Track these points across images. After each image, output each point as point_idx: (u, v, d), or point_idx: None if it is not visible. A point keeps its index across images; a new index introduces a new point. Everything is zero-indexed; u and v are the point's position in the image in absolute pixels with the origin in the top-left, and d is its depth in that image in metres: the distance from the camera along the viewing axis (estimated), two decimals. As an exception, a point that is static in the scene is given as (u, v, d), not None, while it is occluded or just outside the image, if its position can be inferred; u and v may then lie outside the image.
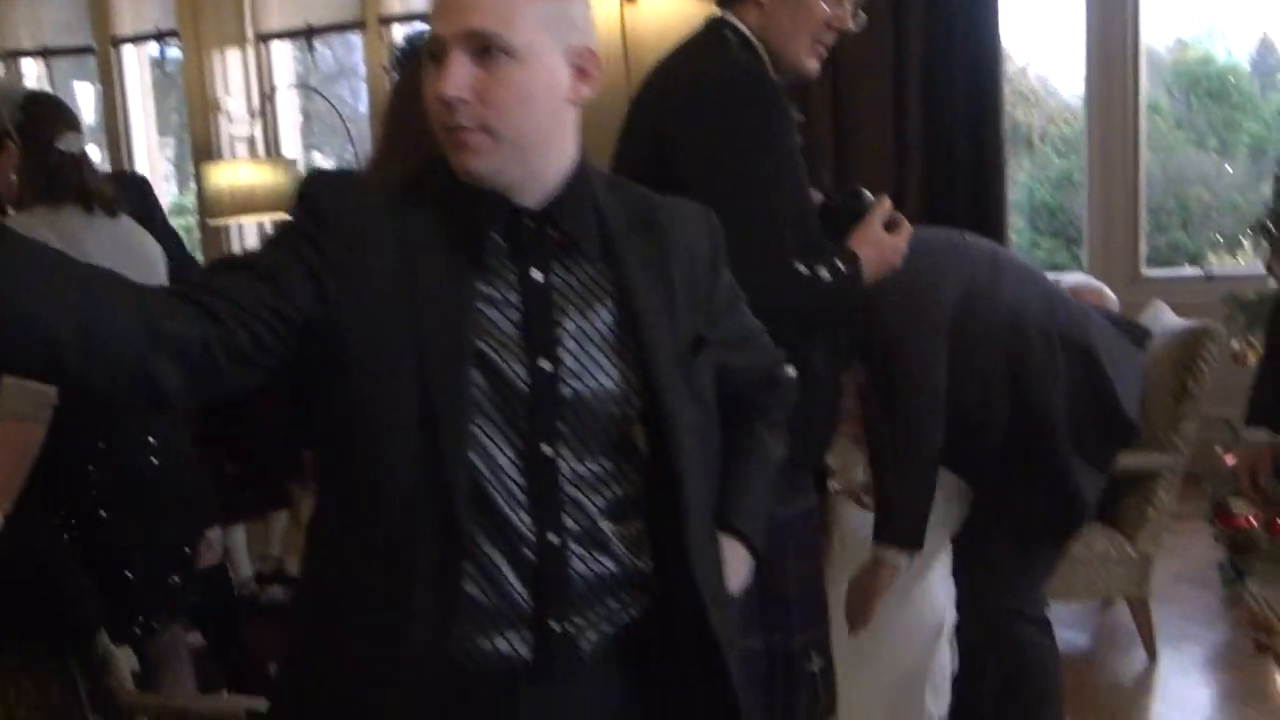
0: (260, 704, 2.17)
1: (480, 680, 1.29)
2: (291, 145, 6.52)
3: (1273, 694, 3.53)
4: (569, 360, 1.29)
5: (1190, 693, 3.46)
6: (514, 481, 1.26)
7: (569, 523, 1.29)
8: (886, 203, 1.99)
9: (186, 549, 2.66)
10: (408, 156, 2.34)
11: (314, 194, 1.27)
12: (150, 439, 2.58)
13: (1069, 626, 3.91)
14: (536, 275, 1.29)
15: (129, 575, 2.50)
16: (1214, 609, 3.93)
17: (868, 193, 2.06)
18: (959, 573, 2.49)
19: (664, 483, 1.33)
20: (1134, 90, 4.92)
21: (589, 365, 1.29)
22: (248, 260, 1.25)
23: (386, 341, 1.23)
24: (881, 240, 1.97)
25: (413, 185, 1.30)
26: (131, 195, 3.01)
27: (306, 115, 7.14)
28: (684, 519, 1.33)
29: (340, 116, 6.22)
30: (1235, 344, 3.98)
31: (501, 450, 1.26)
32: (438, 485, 1.22)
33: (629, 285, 1.32)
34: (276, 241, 1.26)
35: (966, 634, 2.51)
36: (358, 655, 1.26)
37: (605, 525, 1.31)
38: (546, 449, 1.27)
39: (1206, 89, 6.11)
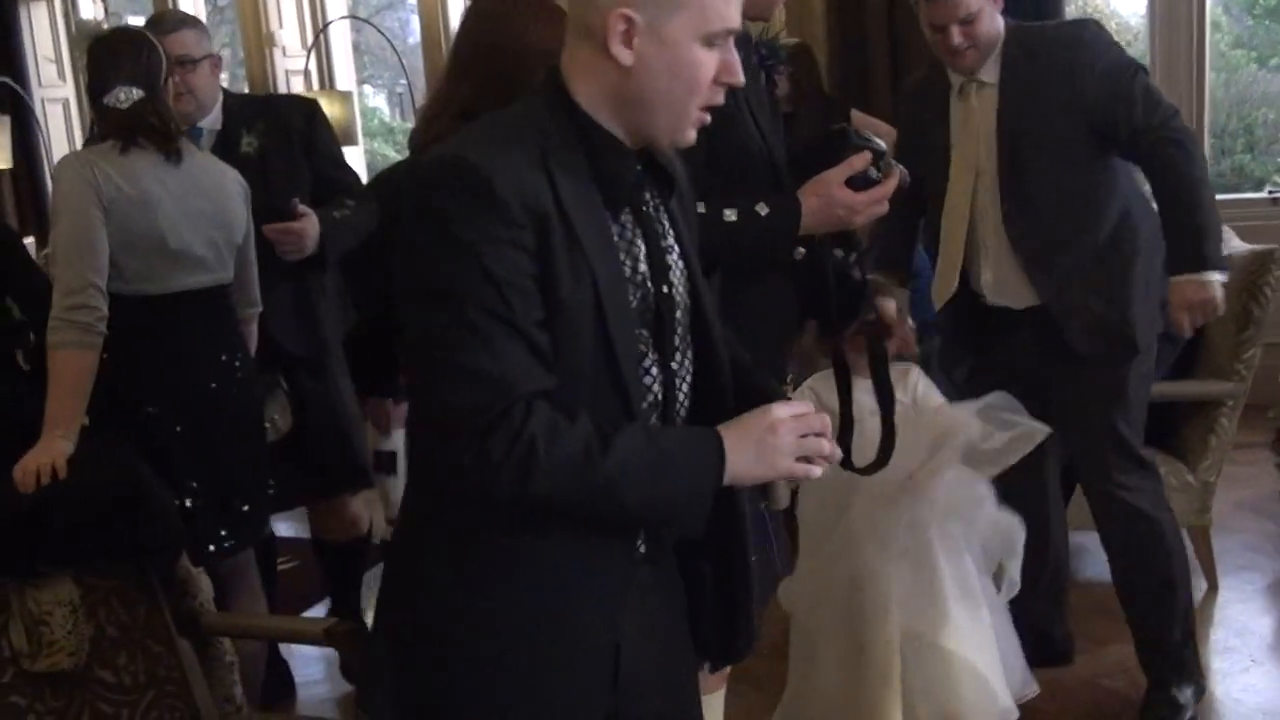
0: (334, 623, 2.25)
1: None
2: (346, 78, 6.53)
3: (1334, 620, 3.53)
4: (677, 282, 1.49)
5: (1251, 621, 3.46)
6: (654, 384, 1.46)
7: (676, 420, 1.51)
8: (858, 161, 1.95)
9: (254, 479, 2.73)
10: (488, 80, 2.40)
11: (484, 183, 1.31)
12: (212, 383, 2.65)
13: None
14: (651, 212, 1.47)
15: (189, 504, 2.57)
16: (1275, 538, 3.91)
17: (872, 139, 2.01)
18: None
19: (706, 370, 1.54)
20: (1198, 8, 4.81)
21: (680, 283, 1.49)
22: (521, 328, 1.32)
23: (567, 276, 1.35)
24: (831, 195, 1.94)
25: (547, 134, 1.38)
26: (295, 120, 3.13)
27: (357, 48, 7.14)
28: (724, 402, 1.53)
29: (393, 48, 6.22)
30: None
31: (651, 364, 1.46)
32: (618, 392, 1.40)
33: (674, 215, 1.52)
34: (501, 270, 1.31)
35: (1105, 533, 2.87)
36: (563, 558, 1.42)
37: (684, 413, 1.52)
38: (674, 363, 1.48)
39: (1265, 5, 5.94)
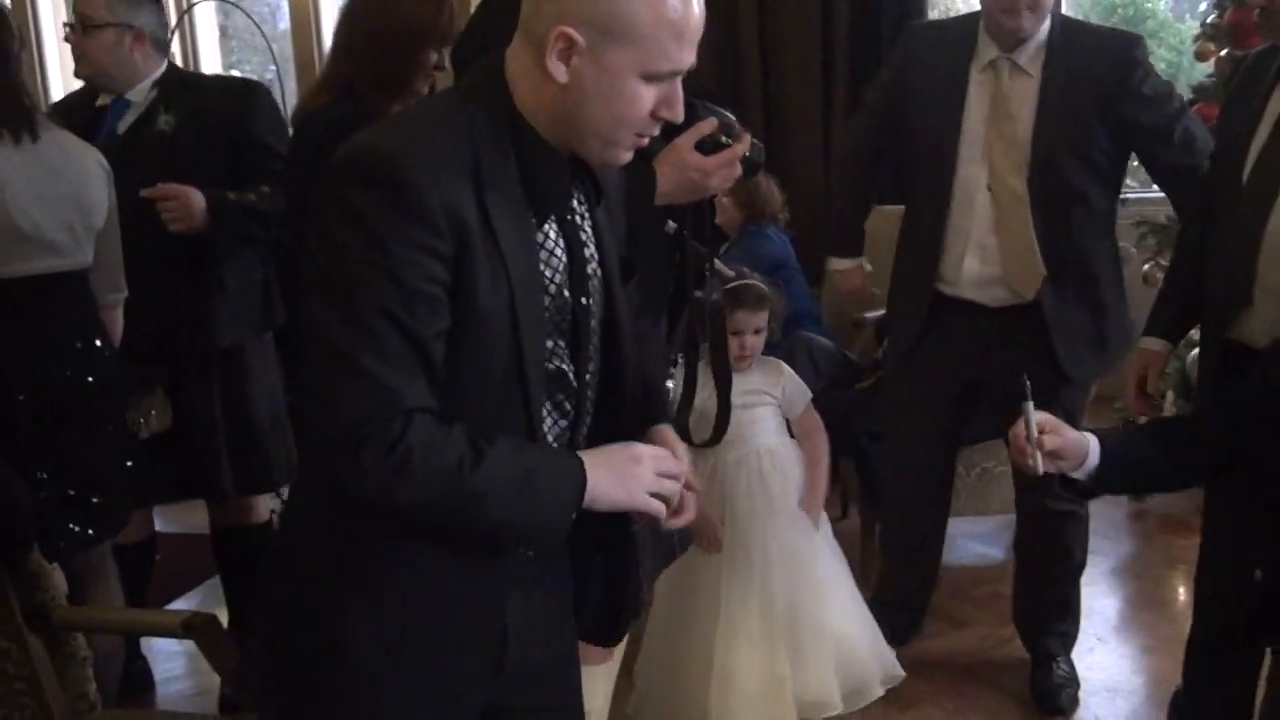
0: (191, 615, 2.20)
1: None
2: (211, 62, 6.37)
3: (1171, 601, 3.71)
4: (594, 293, 1.48)
5: (1096, 602, 3.62)
6: (565, 396, 1.48)
7: (584, 429, 1.53)
8: (705, 125, 1.96)
9: (109, 472, 2.65)
10: (363, 60, 2.38)
11: (409, 186, 1.28)
12: (69, 370, 2.57)
13: (985, 541, 4.07)
14: (576, 220, 1.46)
15: (39, 495, 2.48)
16: (1119, 523, 4.10)
17: (720, 110, 2.02)
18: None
19: (615, 382, 1.55)
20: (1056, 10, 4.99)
21: (597, 294, 1.49)
22: (420, 340, 1.30)
23: (485, 286, 1.33)
24: (683, 159, 1.97)
25: (480, 135, 1.35)
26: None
27: (224, 32, 6.96)
28: (629, 416, 1.57)
29: (262, 33, 6.08)
30: (1146, 266, 4.11)
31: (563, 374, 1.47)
32: (525, 402, 1.40)
33: (599, 223, 1.51)
34: (409, 276, 1.28)
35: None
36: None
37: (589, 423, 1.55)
38: (587, 374, 1.49)
39: (1122, 17, 6.18)
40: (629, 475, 1.42)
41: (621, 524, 1.58)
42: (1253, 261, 2.24)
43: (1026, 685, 3.10)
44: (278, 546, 1.55)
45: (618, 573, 1.62)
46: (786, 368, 2.78)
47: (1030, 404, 1.65)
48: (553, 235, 1.43)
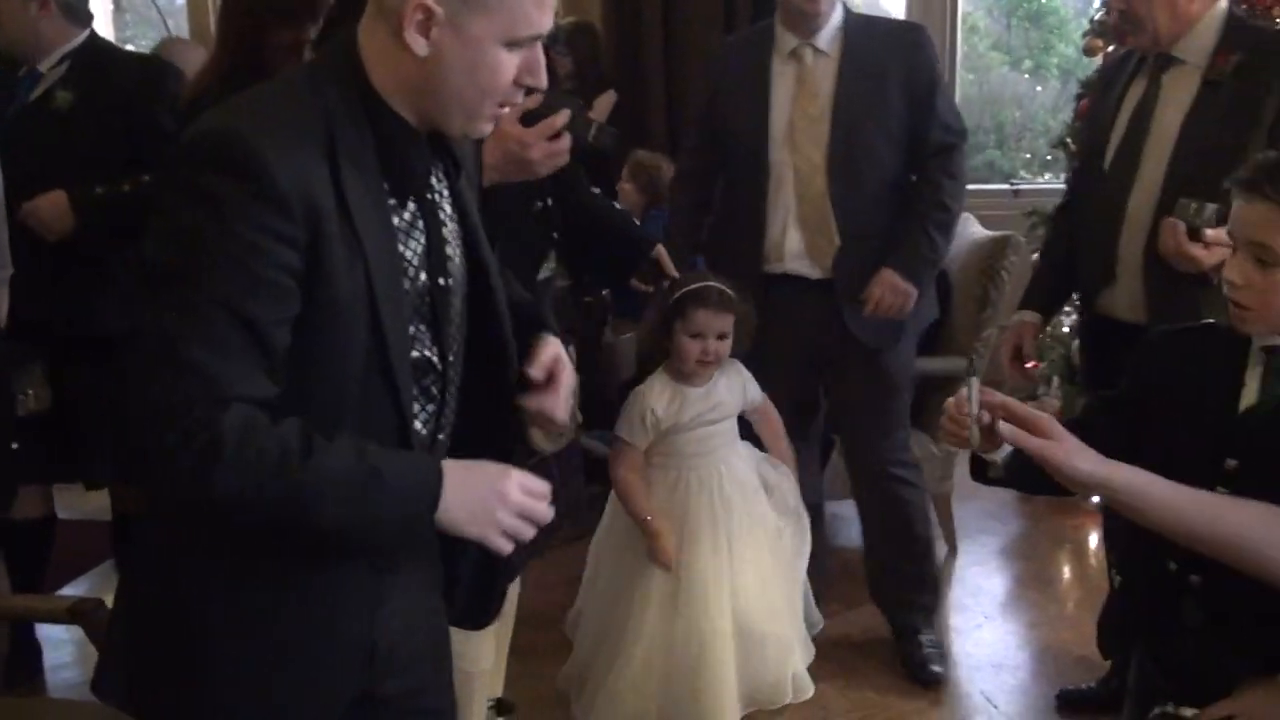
0: (78, 600, 2.16)
1: None
2: (104, 35, 6.17)
3: (1057, 579, 3.84)
4: (455, 273, 1.45)
5: (985, 581, 3.73)
6: (430, 379, 1.44)
7: (449, 412, 1.50)
8: (530, 101, 1.95)
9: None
10: (237, 48, 2.37)
11: (265, 171, 1.23)
12: None
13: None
14: (435, 199, 1.43)
15: None
16: (1009, 504, 4.22)
17: (561, 99, 2.06)
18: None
19: (488, 360, 1.53)
20: (951, 11, 5.10)
21: (458, 273, 1.46)
22: (261, 330, 1.25)
23: (342, 273, 1.30)
24: (505, 133, 1.98)
25: (334, 116, 1.31)
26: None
27: (118, 5, 6.78)
28: (504, 394, 1.56)
29: (156, 7, 5.93)
30: (1035, 255, 4.22)
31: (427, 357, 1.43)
32: (389, 388, 1.36)
33: (460, 198, 1.48)
34: (258, 264, 1.23)
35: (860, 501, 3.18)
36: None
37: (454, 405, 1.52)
38: (451, 355, 1.46)
39: (1024, 12, 6.33)
40: (488, 509, 1.35)
41: None
42: (1115, 242, 2.49)
43: (913, 662, 3.17)
44: (139, 537, 1.50)
45: (488, 555, 1.56)
46: (741, 365, 2.69)
47: (975, 379, 1.59)
48: (412, 216, 1.39)
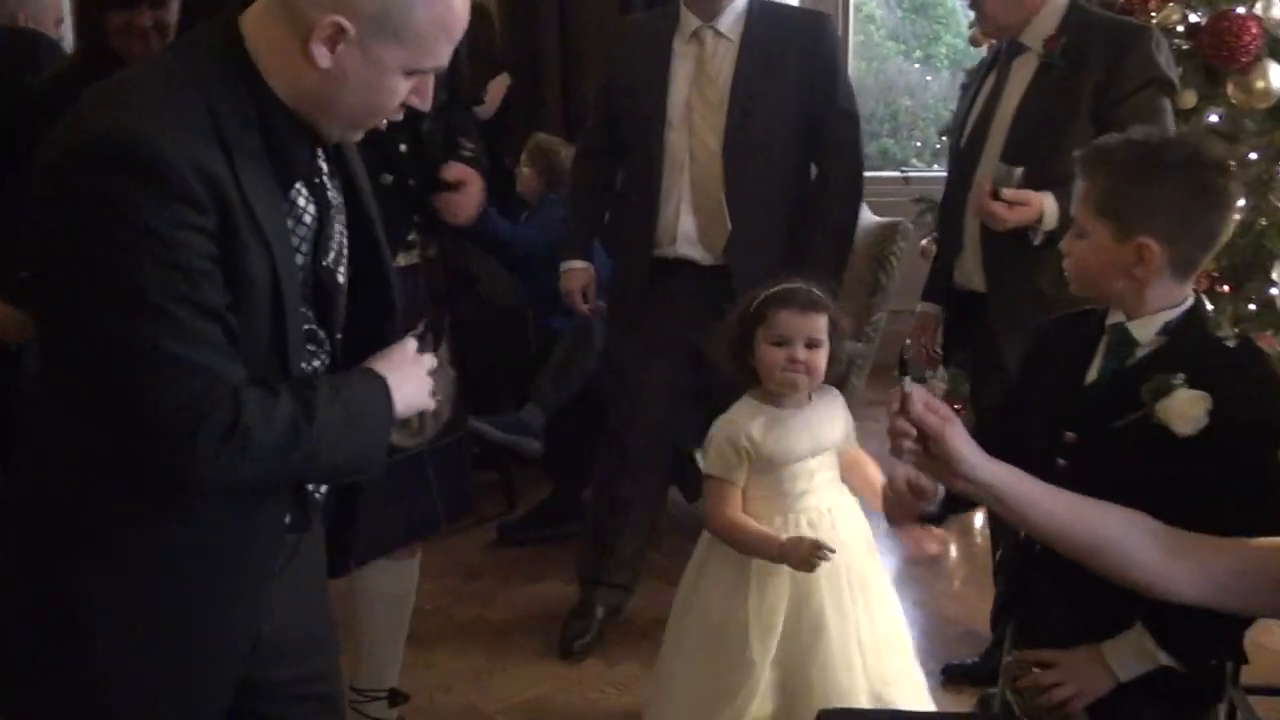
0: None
1: None
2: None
3: (944, 557, 3.91)
4: (342, 257, 1.47)
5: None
6: (319, 363, 1.48)
7: None
8: None
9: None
10: (105, 44, 2.31)
11: (171, 169, 1.22)
12: None
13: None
14: (323, 182, 1.44)
15: None
16: (900, 485, 4.28)
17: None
18: None
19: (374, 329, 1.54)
20: (844, 2, 5.17)
21: (344, 257, 1.48)
22: (217, 313, 1.27)
23: (252, 258, 1.31)
24: None
25: (215, 99, 1.30)
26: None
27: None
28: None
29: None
30: (924, 241, 4.30)
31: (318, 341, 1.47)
32: (284, 373, 1.36)
33: (352, 178, 1.50)
34: (185, 257, 1.23)
35: None
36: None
37: None
38: (336, 334, 1.48)
39: (912, 3, 6.45)
40: (414, 374, 1.45)
41: None
42: (962, 215, 2.68)
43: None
44: (11, 525, 1.45)
45: (346, 504, 1.63)
46: (840, 396, 2.35)
47: (906, 379, 1.49)
48: (301, 201, 1.40)
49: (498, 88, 4.35)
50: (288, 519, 1.47)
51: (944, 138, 4.30)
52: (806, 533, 2.14)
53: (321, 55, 1.29)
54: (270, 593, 1.46)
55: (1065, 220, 2.07)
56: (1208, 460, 1.54)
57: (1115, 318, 1.67)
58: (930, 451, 1.46)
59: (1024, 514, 1.47)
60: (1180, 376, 1.55)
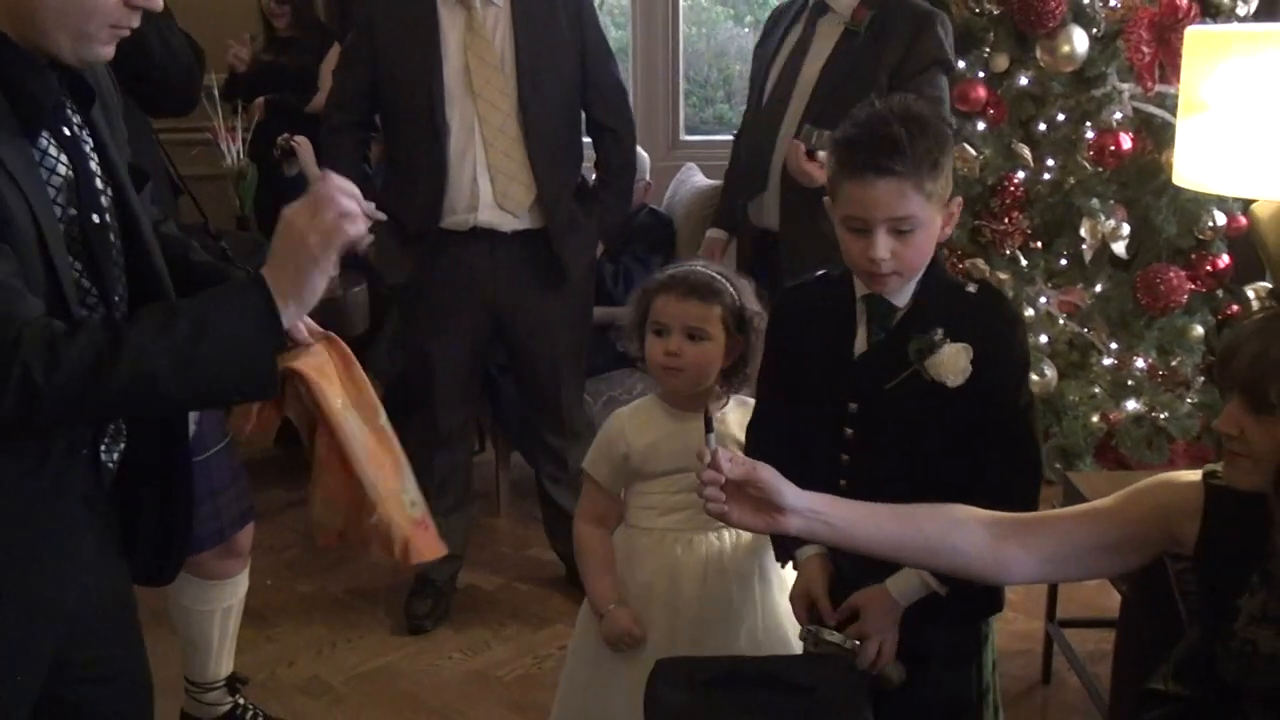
0: None
1: None
2: None
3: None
4: (108, 207, 1.38)
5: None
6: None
7: None
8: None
9: None
10: None
11: None
12: None
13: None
14: (75, 132, 1.35)
15: None
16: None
17: None
18: None
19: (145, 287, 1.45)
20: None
21: (110, 208, 1.39)
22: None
23: (10, 204, 1.24)
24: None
25: None
26: None
27: None
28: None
29: None
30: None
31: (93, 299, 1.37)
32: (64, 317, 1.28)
33: (99, 129, 1.40)
34: None
35: None
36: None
37: None
38: (117, 296, 1.39)
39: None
40: (307, 248, 1.29)
41: (176, 457, 1.52)
42: (769, 157, 2.89)
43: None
44: None
45: (172, 507, 1.53)
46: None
47: (711, 435, 1.43)
48: (51, 151, 1.32)
49: (333, 59, 4.20)
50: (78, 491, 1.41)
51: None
52: (680, 557, 1.93)
53: None
54: (68, 581, 1.42)
55: None
56: (972, 401, 1.65)
57: (866, 290, 1.71)
58: (749, 496, 1.44)
59: (852, 533, 1.50)
60: (939, 332, 1.64)
